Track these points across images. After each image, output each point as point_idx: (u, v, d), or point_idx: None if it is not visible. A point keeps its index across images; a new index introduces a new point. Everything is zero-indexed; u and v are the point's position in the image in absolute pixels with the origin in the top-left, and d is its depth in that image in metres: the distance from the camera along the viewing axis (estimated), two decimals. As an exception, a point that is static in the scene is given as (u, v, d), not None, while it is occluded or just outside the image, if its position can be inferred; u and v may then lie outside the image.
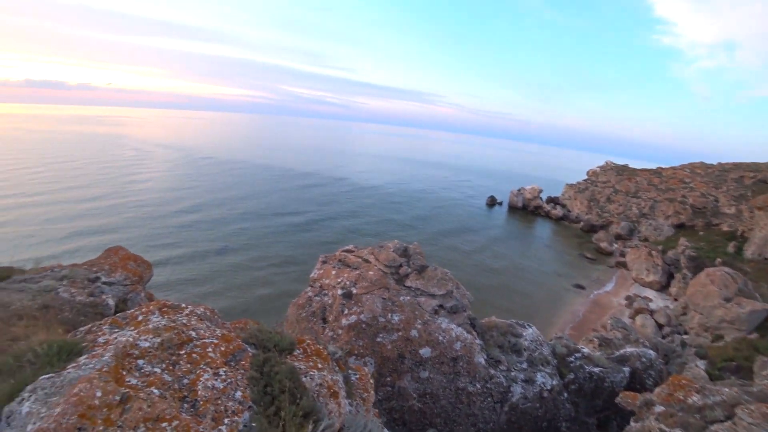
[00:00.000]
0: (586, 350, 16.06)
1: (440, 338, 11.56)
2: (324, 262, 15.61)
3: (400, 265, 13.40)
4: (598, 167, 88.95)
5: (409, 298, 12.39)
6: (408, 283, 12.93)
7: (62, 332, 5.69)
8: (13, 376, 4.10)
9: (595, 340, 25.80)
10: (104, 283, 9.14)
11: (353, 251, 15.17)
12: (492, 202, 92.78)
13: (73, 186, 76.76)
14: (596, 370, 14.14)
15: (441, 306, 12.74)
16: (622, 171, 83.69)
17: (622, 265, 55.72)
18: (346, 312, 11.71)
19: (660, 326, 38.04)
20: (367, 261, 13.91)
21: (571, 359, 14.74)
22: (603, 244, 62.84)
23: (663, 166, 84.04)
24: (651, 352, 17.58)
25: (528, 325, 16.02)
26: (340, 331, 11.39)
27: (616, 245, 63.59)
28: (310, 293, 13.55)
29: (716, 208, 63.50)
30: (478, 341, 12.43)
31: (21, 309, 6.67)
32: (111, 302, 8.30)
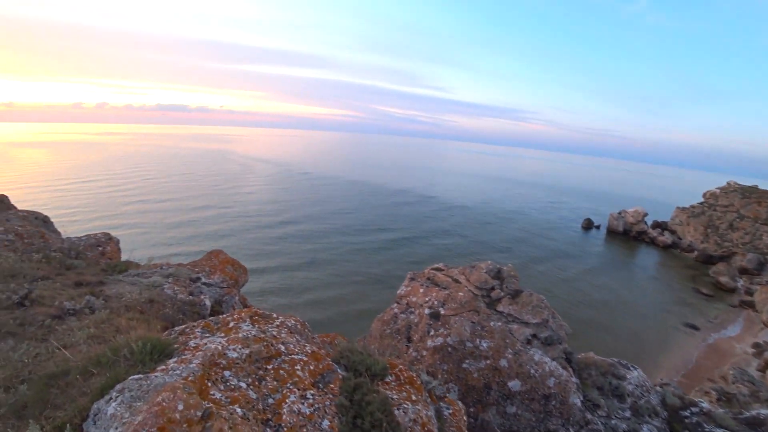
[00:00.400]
0: (704, 405, 13.55)
1: (532, 371, 10.38)
2: (412, 279, 15.23)
3: (492, 288, 12.51)
4: (717, 189, 77.94)
5: (500, 324, 11.42)
6: (500, 307, 11.97)
7: (160, 329, 5.84)
8: (108, 370, 4.20)
9: (713, 393, 22.00)
10: (204, 283, 9.54)
11: (443, 270, 14.60)
12: (588, 225, 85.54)
13: (189, 196, 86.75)
14: None
15: (534, 336, 11.50)
16: (749, 193, 72.29)
17: (749, 305, 47.66)
18: (432, 333, 11.12)
19: (805, 384, 31.60)
20: (457, 281, 13.24)
21: (686, 414, 12.41)
22: (723, 279, 54.47)
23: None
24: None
25: (632, 366, 14.00)
26: (424, 353, 10.79)
27: (740, 281, 54.73)
28: (395, 310, 13.23)
29: None
30: (574, 379, 10.99)
31: (130, 301, 7.16)
32: (208, 303, 8.63)
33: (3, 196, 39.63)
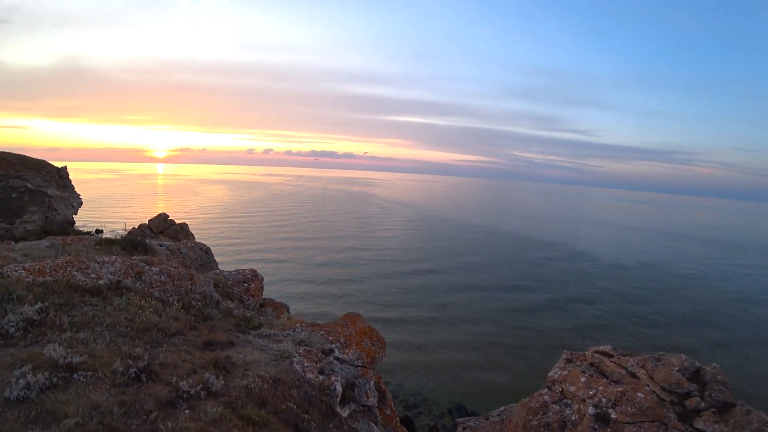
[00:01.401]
0: None
1: None
2: (569, 362, 13.55)
3: (688, 394, 9.49)
4: None
5: None
6: (699, 424, 8.79)
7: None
8: None
9: None
10: (336, 358, 8.55)
11: (612, 356, 12.00)
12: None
13: (333, 236, 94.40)
14: None
15: None
16: None
17: None
18: None
19: None
20: (634, 375, 10.56)
21: None
22: None
23: None
24: None
25: None
26: None
27: None
28: (546, 397, 11.23)
29: None
30: None
31: (253, 384, 6.37)
32: (339, 387, 7.52)
33: (184, 224, 45.94)
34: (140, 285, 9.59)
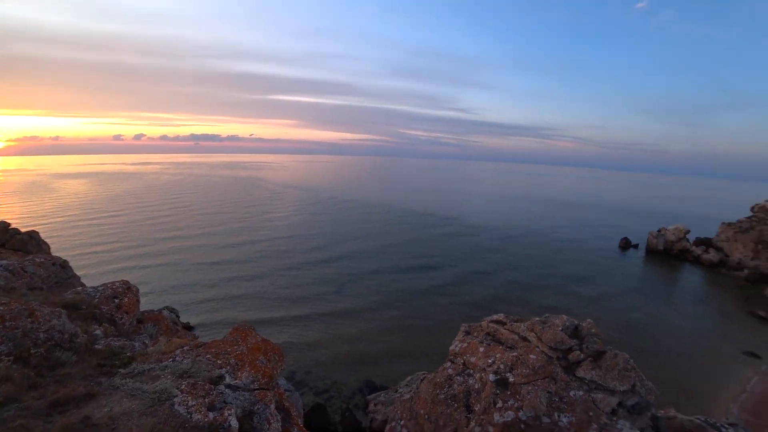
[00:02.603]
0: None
1: None
2: (467, 333, 13.67)
3: (570, 349, 11.00)
4: (766, 201, 73.10)
5: (581, 393, 9.94)
6: (580, 372, 10.46)
7: None
8: None
9: None
10: (228, 386, 7.79)
11: (505, 324, 13.15)
12: (626, 245, 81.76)
13: (224, 229, 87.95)
14: None
15: (620, 404, 9.98)
16: (806, 206, 67.50)
17: (815, 329, 43.77)
18: (499, 405, 9.81)
19: None
20: (525, 339, 11.81)
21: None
22: (782, 300, 50.37)
23: None
24: None
25: (724, 427, 12.13)
26: (490, 429, 9.48)
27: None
28: (450, 371, 11.89)
29: None
30: None
31: None
32: (234, 422, 6.80)
33: (33, 232, 37.64)
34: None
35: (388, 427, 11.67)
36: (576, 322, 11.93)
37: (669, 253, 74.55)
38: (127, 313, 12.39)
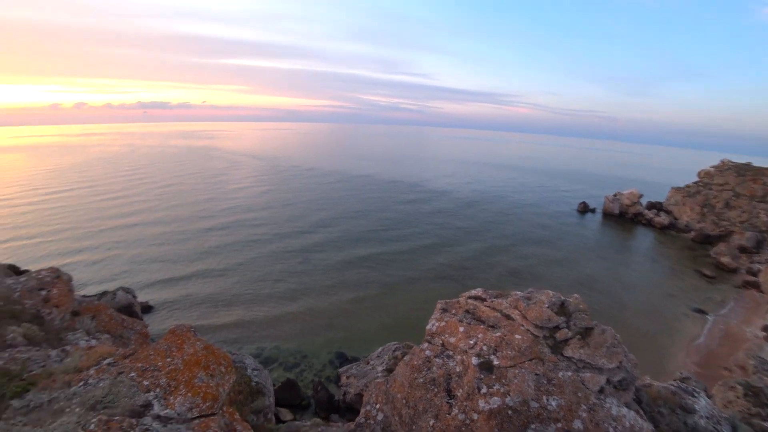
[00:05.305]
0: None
1: (611, 431, 8.55)
2: (444, 311, 12.76)
3: (557, 327, 10.49)
4: (712, 167, 77.33)
5: (570, 374, 9.50)
6: (568, 352, 9.98)
7: None
8: None
9: (738, 387, 20.89)
10: (157, 417, 5.94)
11: (485, 299, 12.37)
12: (584, 209, 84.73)
13: (181, 204, 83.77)
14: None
15: (607, 380, 9.72)
16: (744, 171, 71.78)
17: (753, 285, 47.23)
18: (484, 391, 9.18)
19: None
20: (508, 317, 11.14)
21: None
22: (724, 259, 53.89)
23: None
24: None
25: (696, 391, 12.39)
26: (475, 416, 8.81)
27: (741, 260, 54.08)
28: (428, 352, 11.09)
29: None
30: (652, 428, 9.26)
31: None
32: None
33: None
34: None
35: (363, 410, 10.83)
36: (562, 298, 11.47)
37: (624, 216, 77.99)
38: (57, 306, 10.47)
